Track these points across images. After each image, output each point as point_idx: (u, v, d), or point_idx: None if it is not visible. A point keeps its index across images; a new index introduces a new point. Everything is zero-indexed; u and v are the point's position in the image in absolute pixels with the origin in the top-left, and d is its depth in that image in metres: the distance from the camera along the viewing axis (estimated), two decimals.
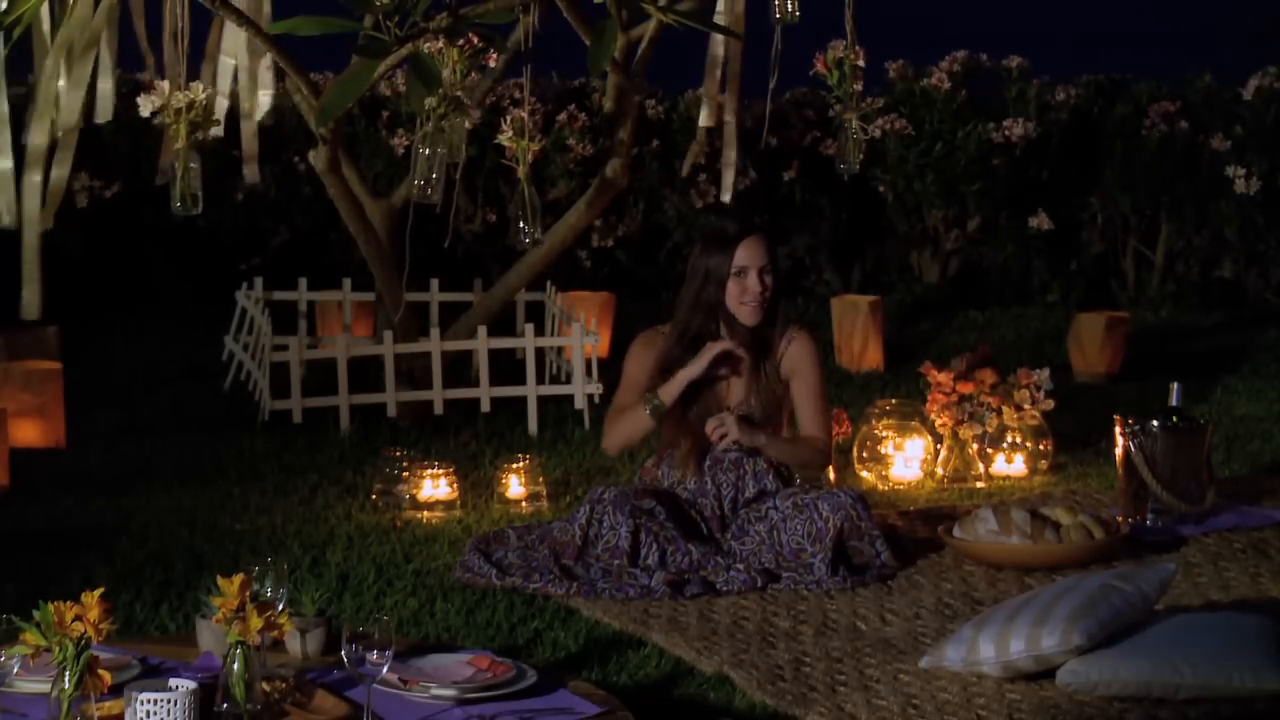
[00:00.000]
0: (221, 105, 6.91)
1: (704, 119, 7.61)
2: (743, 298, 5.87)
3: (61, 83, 6.10)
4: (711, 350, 5.85)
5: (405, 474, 6.54)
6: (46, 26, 6.14)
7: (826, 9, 6.25)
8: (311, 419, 7.70)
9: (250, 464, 7.14)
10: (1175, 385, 6.29)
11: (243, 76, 6.96)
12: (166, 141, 6.10)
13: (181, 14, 5.98)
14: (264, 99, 7.14)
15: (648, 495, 5.76)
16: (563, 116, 10.69)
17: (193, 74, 6.15)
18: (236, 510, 6.50)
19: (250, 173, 7.28)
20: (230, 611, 3.95)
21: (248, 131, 7.12)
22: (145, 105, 5.66)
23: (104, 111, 6.50)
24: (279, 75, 7.13)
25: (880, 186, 11.01)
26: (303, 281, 8.94)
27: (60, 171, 6.11)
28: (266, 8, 6.83)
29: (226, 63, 6.89)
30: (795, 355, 5.93)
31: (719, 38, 7.30)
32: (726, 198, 7.95)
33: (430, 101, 6.05)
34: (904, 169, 10.88)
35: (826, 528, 5.66)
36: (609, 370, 7.98)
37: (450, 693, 4.25)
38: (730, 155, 7.66)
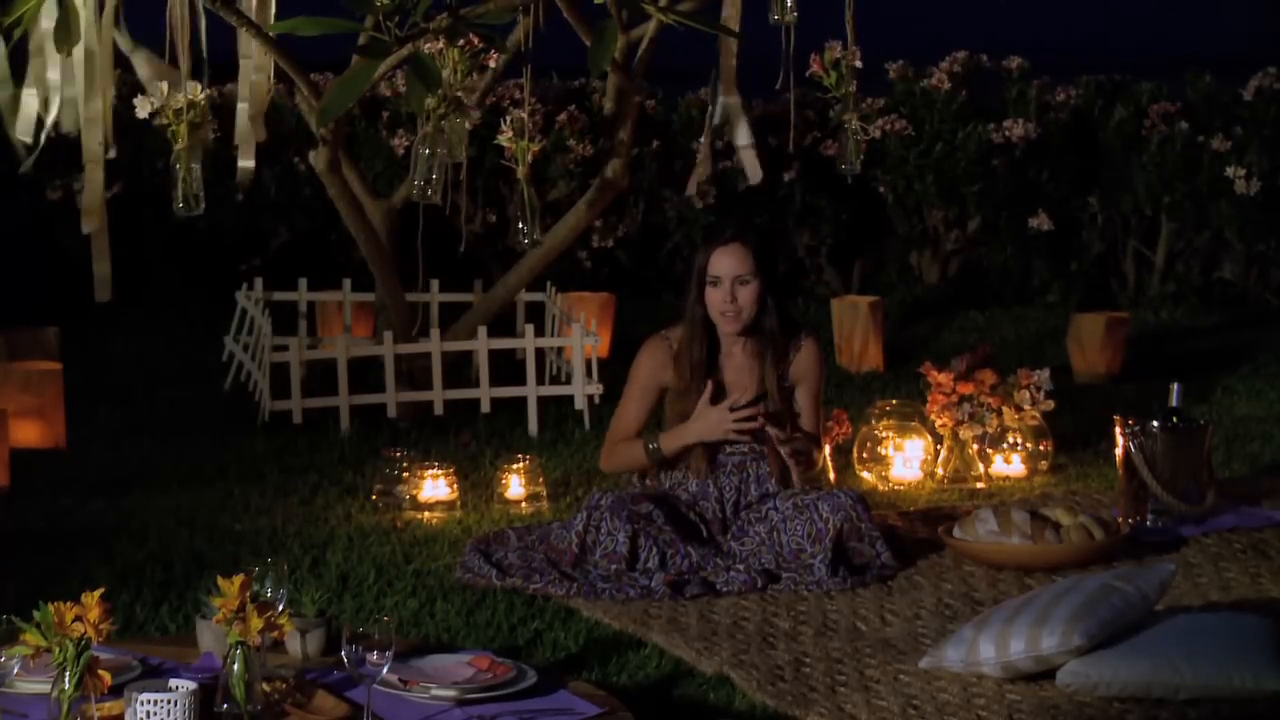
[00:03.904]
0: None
1: (717, 117, 7.60)
2: (720, 307, 5.85)
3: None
4: (721, 424, 5.81)
5: (405, 474, 6.54)
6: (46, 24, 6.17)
7: (827, 9, 6.26)
8: (311, 419, 7.70)
9: (250, 464, 7.14)
10: (1175, 386, 6.29)
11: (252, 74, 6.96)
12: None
13: (182, 14, 6.00)
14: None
15: (645, 500, 5.75)
16: (563, 117, 10.69)
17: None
18: (236, 510, 6.50)
19: (244, 170, 7.23)
20: (230, 612, 3.95)
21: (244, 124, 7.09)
22: (142, 106, 5.67)
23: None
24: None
25: (880, 187, 11.01)
26: (303, 282, 8.94)
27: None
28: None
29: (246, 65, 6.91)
30: (803, 361, 5.93)
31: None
32: (691, 191, 7.95)
33: (430, 102, 6.05)
34: (904, 169, 10.88)
35: (826, 528, 5.66)
36: (609, 370, 7.98)
37: (450, 693, 4.25)
38: (744, 137, 7.59)
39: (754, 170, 7.59)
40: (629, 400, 5.99)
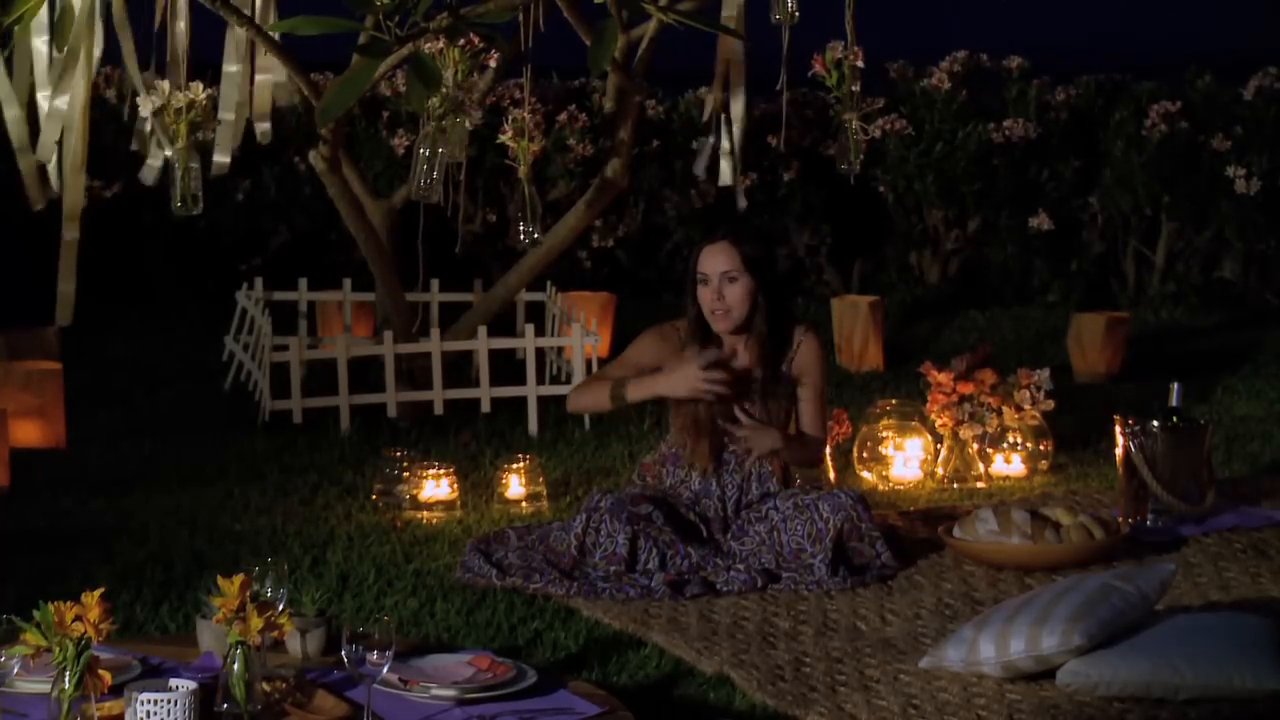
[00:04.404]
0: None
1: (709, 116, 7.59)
2: (709, 305, 5.86)
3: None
4: (691, 380, 5.78)
5: (405, 474, 6.54)
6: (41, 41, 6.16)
7: (828, 9, 6.26)
8: (311, 419, 7.70)
9: (250, 464, 7.14)
10: (1175, 385, 6.29)
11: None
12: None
13: (181, 13, 5.99)
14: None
15: (644, 500, 5.74)
16: (563, 117, 10.70)
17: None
18: (236, 510, 6.50)
19: (219, 165, 7.19)
20: (230, 612, 3.95)
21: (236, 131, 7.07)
22: (145, 105, 5.67)
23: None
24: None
25: (880, 186, 11.01)
26: (303, 282, 8.94)
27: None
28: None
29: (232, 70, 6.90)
30: (804, 357, 5.92)
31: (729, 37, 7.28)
32: (742, 203, 7.96)
33: (431, 102, 6.06)
34: (904, 169, 10.89)
35: (826, 528, 5.66)
36: None
37: (450, 693, 4.25)
38: (735, 154, 7.62)
39: (740, 190, 7.73)
40: (615, 365, 5.99)
